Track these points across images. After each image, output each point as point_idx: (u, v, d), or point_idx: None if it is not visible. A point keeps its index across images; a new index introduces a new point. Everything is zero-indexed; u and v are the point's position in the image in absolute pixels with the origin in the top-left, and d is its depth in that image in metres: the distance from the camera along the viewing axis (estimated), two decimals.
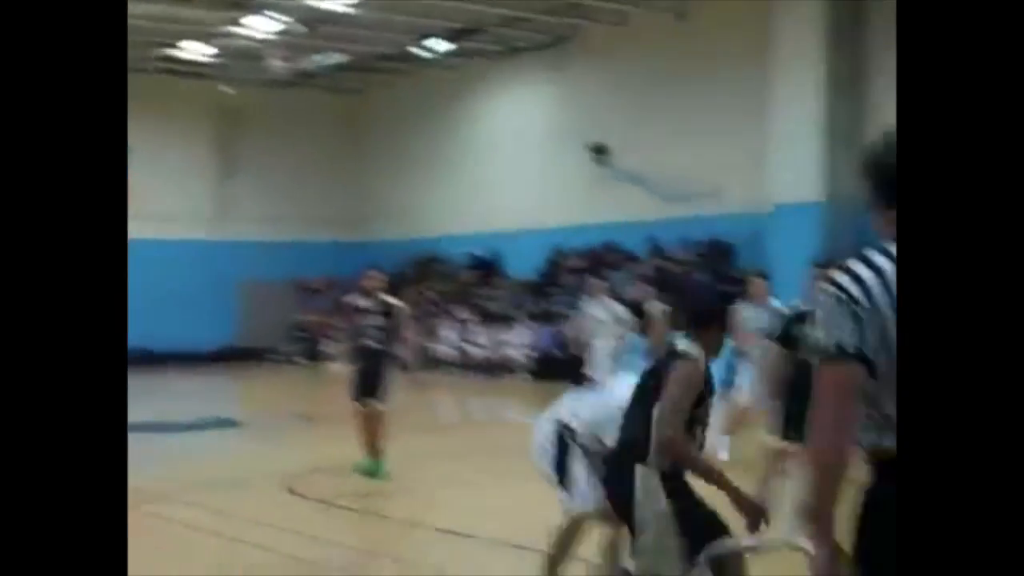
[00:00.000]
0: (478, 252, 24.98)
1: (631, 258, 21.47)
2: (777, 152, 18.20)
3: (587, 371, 12.22)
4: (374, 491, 9.87)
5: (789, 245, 16.85)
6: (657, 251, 21.17)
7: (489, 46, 23.46)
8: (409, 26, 21.68)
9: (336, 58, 23.30)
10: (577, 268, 22.01)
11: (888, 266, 2.57)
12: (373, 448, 10.08)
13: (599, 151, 22.32)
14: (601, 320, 12.83)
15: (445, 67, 24.39)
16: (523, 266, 23.73)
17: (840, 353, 2.55)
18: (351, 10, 19.97)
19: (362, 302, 10.33)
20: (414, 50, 22.76)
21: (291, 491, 9.67)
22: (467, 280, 24.77)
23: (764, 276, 10.38)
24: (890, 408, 2.52)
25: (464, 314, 23.19)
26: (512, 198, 23.85)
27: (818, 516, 2.56)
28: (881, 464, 2.59)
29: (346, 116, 27.92)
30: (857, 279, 2.58)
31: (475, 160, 25.31)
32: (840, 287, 2.59)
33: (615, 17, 21.48)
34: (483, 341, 22.47)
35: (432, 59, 23.30)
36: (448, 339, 22.98)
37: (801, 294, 7.49)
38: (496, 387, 20.94)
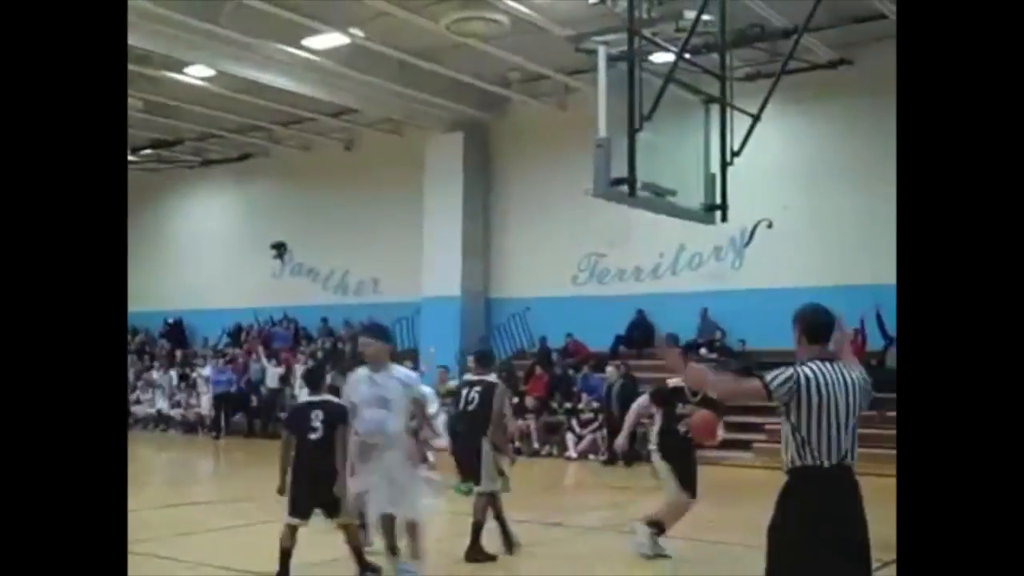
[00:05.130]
0: (170, 319, 29.19)
1: (306, 335, 26.47)
2: (427, 255, 24.00)
3: None
4: None
5: (434, 330, 22.60)
6: (327, 330, 26.32)
7: (187, 156, 28.00)
8: None
9: None
10: (257, 335, 26.85)
11: (811, 373, 4.26)
12: None
13: (279, 248, 27.44)
14: None
15: (150, 171, 28.56)
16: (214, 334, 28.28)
17: (761, 378, 4.30)
18: None
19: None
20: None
21: None
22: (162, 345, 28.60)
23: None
24: (805, 433, 4.21)
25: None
26: (204, 284, 28.43)
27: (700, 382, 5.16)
28: (793, 472, 4.29)
29: None
30: (805, 373, 4.29)
31: (172, 252, 29.69)
32: (796, 371, 4.28)
33: (298, 142, 26.77)
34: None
35: (138, 163, 27.34)
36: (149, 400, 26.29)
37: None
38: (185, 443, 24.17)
